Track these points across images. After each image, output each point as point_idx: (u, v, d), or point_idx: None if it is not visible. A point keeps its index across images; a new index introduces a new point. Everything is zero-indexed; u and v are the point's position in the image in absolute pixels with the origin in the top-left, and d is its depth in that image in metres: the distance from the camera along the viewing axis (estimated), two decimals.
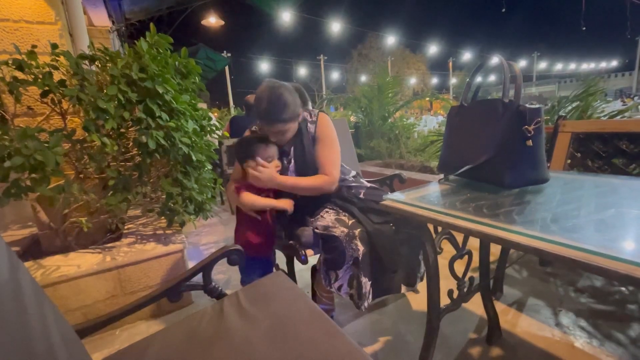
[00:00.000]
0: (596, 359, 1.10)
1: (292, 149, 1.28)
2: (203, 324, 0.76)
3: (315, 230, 1.20)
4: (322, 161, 1.24)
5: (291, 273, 1.37)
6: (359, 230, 1.12)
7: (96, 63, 1.38)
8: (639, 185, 0.84)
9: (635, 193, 0.78)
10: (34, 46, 1.27)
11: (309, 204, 1.27)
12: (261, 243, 1.22)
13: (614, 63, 46.69)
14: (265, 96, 1.11)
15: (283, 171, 1.25)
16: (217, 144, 3.05)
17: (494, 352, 1.17)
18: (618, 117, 2.28)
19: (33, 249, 1.62)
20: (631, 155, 1.47)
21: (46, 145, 1.14)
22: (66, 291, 1.31)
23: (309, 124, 1.28)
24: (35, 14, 1.56)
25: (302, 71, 24.46)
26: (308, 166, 1.25)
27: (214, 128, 1.80)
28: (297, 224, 1.28)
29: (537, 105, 0.86)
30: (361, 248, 1.09)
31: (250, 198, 1.16)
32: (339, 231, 1.12)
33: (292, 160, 1.27)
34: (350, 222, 1.16)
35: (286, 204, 1.19)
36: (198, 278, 0.86)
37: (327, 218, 1.20)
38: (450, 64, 26.65)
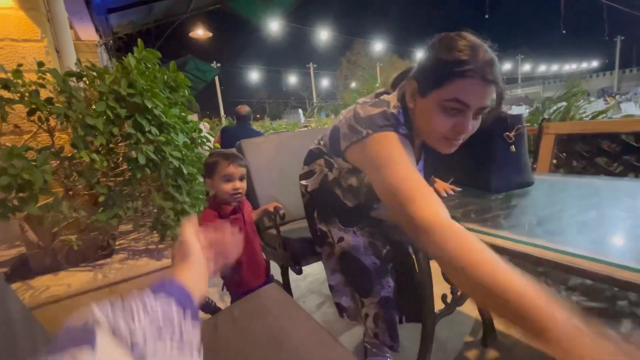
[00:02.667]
0: None
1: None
2: None
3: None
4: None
5: (286, 284, 1.37)
6: (391, 264, 0.98)
7: (84, 79, 1.37)
8: (619, 186, 0.87)
9: (616, 194, 0.81)
10: (19, 65, 1.26)
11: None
12: (261, 283, 1.17)
13: (595, 63, 48.19)
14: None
15: None
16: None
17: (490, 354, 1.18)
18: (600, 117, 2.35)
19: (21, 269, 1.59)
20: (613, 155, 1.52)
21: (34, 163, 1.12)
22: (57, 312, 1.28)
23: None
24: (20, 32, 1.56)
25: (292, 79, 24.66)
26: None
27: (205, 140, 1.80)
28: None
29: (520, 111, 0.88)
30: (392, 284, 0.95)
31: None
32: (370, 262, 0.94)
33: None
34: (384, 250, 0.97)
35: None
36: None
37: (359, 239, 0.97)
38: None
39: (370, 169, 0.74)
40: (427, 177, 1.00)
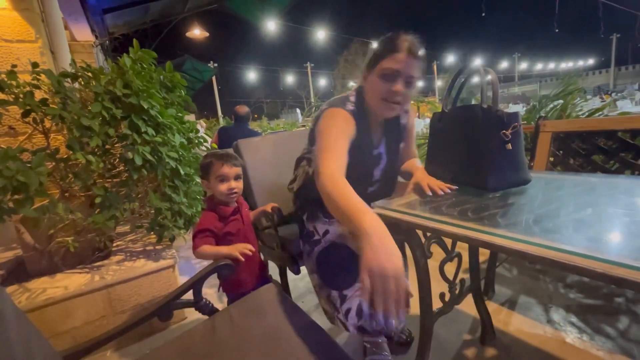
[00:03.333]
0: (587, 354, 1.12)
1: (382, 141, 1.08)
2: (195, 342, 0.75)
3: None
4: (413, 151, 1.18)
5: (284, 284, 1.37)
6: None
7: (79, 80, 1.36)
8: (615, 183, 0.87)
9: (612, 191, 0.81)
10: (13, 65, 1.25)
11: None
12: (258, 283, 1.16)
13: (591, 61, 48.36)
14: None
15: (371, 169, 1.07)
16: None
17: (488, 352, 1.18)
18: (596, 115, 2.36)
19: (18, 272, 1.58)
20: (609, 152, 1.53)
21: (29, 165, 1.12)
22: (53, 314, 1.28)
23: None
24: (14, 33, 1.54)
25: (290, 79, 24.64)
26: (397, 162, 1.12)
27: (202, 140, 1.79)
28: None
29: (516, 109, 0.89)
30: None
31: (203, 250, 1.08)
32: (356, 246, 0.92)
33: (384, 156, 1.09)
34: None
35: (237, 250, 1.05)
36: (189, 295, 0.85)
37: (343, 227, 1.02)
38: (435, 67, 27.19)
39: (317, 135, 0.93)
40: (393, 159, 1.12)
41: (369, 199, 0.87)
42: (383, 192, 1.11)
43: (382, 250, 0.55)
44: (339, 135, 0.89)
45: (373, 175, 1.09)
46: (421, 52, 0.92)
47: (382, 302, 0.52)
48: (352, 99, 1.01)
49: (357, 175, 0.90)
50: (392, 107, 0.95)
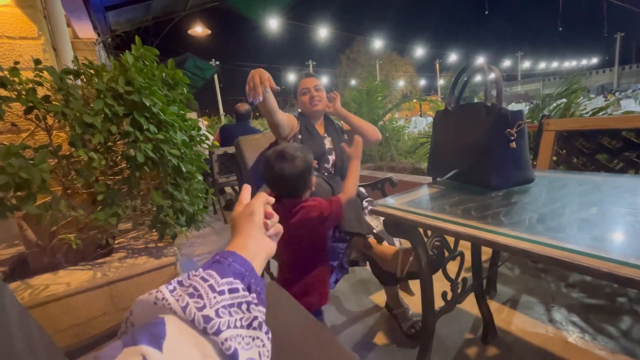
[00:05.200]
0: (589, 353, 1.12)
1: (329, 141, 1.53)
2: None
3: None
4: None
5: None
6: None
7: (81, 77, 1.36)
8: (619, 182, 0.86)
9: (616, 190, 0.81)
10: (16, 62, 1.25)
11: None
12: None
13: (594, 60, 48.04)
14: None
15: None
16: (207, 153, 3.03)
17: (490, 351, 1.18)
18: (600, 114, 2.34)
19: (20, 269, 1.58)
20: (613, 151, 1.52)
21: (31, 162, 1.12)
22: (56, 311, 1.28)
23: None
24: (17, 30, 1.54)
25: (292, 77, 24.57)
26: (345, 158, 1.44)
27: (204, 138, 1.79)
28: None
29: (519, 108, 0.88)
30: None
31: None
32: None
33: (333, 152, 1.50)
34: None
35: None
36: None
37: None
38: (437, 65, 27.07)
39: None
40: (341, 154, 1.49)
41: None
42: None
43: None
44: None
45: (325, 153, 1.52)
46: (313, 74, 1.58)
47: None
48: (299, 113, 1.59)
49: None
50: (314, 105, 1.49)
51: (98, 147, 1.33)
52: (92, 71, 1.35)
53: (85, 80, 1.37)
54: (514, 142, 0.82)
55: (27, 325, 0.50)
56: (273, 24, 8.47)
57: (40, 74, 1.28)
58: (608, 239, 0.56)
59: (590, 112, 2.41)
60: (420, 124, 8.15)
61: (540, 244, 0.56)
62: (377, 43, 19.44)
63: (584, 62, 47.47)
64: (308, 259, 1.02)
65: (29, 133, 1.42)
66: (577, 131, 1.63)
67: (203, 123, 7.73)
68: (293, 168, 0.93)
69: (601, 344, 1.15)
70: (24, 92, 1.22)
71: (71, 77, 1.33)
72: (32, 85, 1.25)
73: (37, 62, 1.27)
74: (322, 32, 12.00)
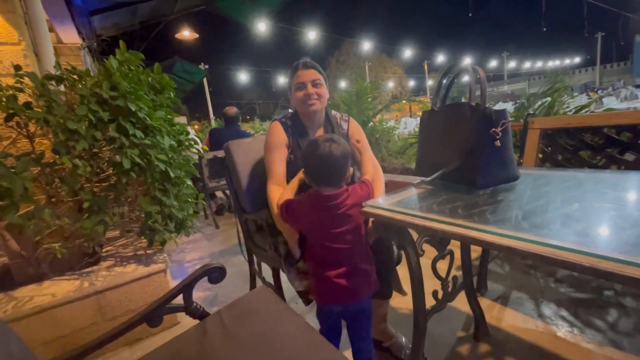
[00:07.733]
0: (577, 347, 1.14)
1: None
2: (187, 346, 0.74)
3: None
4: (370, 162, 1.19)
5: (278, 286, 1.36)
6: None
7: (64, 83, 1.34)
8: (601, 178, 0.89)
9: (598, 186, 0.83)
10: None
11: None
12: None
13: (577, 60, 49.22)
14: None
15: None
16: (196, 158, 3.00)
17: (482, 348, 1.19)
18: (582, 112, 2.40)
19: (4, 280, 1.54)
20: (595, 148, 1.55)
21: (13, 170, 1.09)
22: (41, 323, 1.25)
23: (340, 121, 1.34)
24: None
25: (282, 80, 24.58)
26: None
27: (192, 142, 1.77)
28: None
29: (505, 107, 0.89)
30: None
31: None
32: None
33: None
34: None
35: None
36: (180, 299, 0.84)
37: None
38: (426, 66, 27.40)
39: (265, 149, 1.25)
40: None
41: None
42: None
43: None
44: (274, 152, 1.21)
45: None
46: (312, 62, 1.24)
47: None
48: (288, 115, 1.30)
49: None
50: (311, 104, 1.20)
51: (83, 153, 1.31)
52: (75, 76, 1.32)
53: (68, 85, 1.34)
54: (498, 141, 0.84)
55: (6, 339, 0.48)
56: (262, 27, 8.46)
57: (21, 80, 1.25)
58: (590, 234, 0.58)
59: (574, 110, 2.47)
60: (410, 125, 8.22)
61: (525, 240, 0.57)
62: (366, 45, 19.61)
63: (567, 61, 48.66)
64: (365, 243, 1.02)
65: (11, 141, 1.38)
66: (561, 129, 1.66)
67: (192, 129, 7.66)
68: (344, 150, 0.95)
69: (589, 337, 1.17)
70: (4, 99, 1.19)
71: (53, 82, 1.31)
72: (13, 91, 1.22)
73: (17, 67, 1.24)
74: (311, 35, 12.04)
